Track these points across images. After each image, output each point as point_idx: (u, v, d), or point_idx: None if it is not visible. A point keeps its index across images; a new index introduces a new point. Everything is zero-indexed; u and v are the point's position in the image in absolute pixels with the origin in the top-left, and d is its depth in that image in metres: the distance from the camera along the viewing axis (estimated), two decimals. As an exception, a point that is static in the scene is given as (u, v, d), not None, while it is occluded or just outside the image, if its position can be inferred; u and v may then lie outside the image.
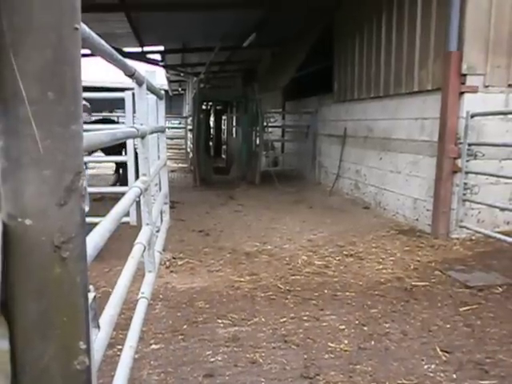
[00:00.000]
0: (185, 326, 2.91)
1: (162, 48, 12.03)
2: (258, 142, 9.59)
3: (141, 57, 11.23)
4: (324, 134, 8.94)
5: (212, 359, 2.52)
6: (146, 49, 11.35)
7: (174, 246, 4.67)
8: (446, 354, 2.56)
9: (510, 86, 4.89)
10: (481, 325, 2.94)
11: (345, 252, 4.57)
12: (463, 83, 4.76)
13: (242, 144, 9.81)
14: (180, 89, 22.78)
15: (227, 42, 10.17)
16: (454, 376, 2.34)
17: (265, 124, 9.52)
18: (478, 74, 4.78)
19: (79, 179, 0.67)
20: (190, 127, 12.02)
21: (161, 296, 3.41)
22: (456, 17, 4.64)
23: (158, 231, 3.68)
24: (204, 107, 11.28)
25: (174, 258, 4.28)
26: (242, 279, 3.82)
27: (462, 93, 4.77)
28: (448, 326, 2.93)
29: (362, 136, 7.14)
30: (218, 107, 14.69)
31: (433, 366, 2.44)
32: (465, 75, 4.75)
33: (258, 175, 9.13)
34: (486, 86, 4.81)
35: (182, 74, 15.93)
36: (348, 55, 7.74)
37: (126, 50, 10.52)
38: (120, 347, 2.26)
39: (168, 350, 2.62)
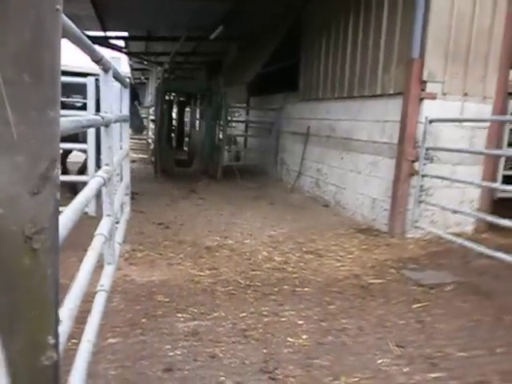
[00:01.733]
0: (144, 320, 2.86)
1: (125, 34, 11.68)
2: (221, 136, 9.54)
3: (103, 42, 10.86)
4: (287, 132, 9.02)
5: (171, 353, 2.49)
6: (109, 34, 10.99)
7: (134, 238, 4.58)
8: (399, 349, 2.66)
9: (465, 94, 5.13)
10: (431, 321, 3.08)
11: (304, 249, 4.65)
12: (423, 89, 4.95)
13: (204, 137, 9.73)
14: (143, 77, 22.24)
15: (193, 33, 10.02)
16: (406, 369, 2.45)
17: (229, 118, 9.49)
18: (438, 81, 4.98)
19: (54, 167, 0.64)
20: (152, 117, 11.77)
21: (119, 289, 3.33)
22: (419, 26, 4.81)
23: (117, 222, 3.59)
24: (167, 98, 11.07)
25: (133, 251, 4.20)
26: (202, 273, 3.80)
27: (422, 99, 4.96)
28: (401, 322, 3.05)
29: (324, 135, 7.26)
30: (181, 99, 14.46)
31: (386, 360, 2.53)
32: (425, 82, 4.94)
33: (220, 169, 9.08)
34: (444, 94, 5.02)
35: (145, 63, 15.55)
36: (314, 54, 7.83)
37: (88, 33, 10.13)
38: (75, 341, 2.19)
39: (126, 343, 2.57)
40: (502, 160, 5.40)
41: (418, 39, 4.86)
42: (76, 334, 2.15)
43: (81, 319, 2.41)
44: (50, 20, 0.62)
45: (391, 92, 5.44)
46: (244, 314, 3.05)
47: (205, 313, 3.04)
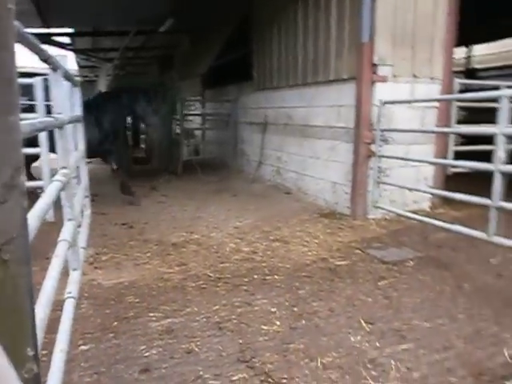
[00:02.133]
0: (115, 323, 2.81)
1: (70, 30, 11.21)
2: (178, 130, 9.41)
3: (46, 39, 10.37)
4: (245, 122, 9.02)
5: (147, 354, 2.47)
6: (53, 30, 10.51)
7: (98, 241, 4.46)
8: (369, 325, 2.76)
9: (414, 76, 5.31)
10: (397, 296, 3.21)
11: (271, 237, 4.70)
12: (375, 73, 5.09)
13: (161, 133, 9.56)
14: (92, 75, 21.47)
15: (142, 27, 9.77)
16: (377, 344, 2.55)
17: (185, 112, 9.36)
18: (388, 64, 5.13)
19: (19, 175, 0.62)
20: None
21: (86, 294, 3.25)
22: (367, 11, 4.92)
23: (79, 226, 3.48)
24: (119, 94, 10.75)
25: (97, 254, 4.10)
26: (171, 270, 3.77)
27: (374, 82, 5.10)
28: (369, 299, 3.16)
29: (282, 123, 7.32)
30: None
31: (358, 338, 2.62)
32: (376, 65, 5.07)
33: (180, 165, 8.98)
34: (395, 76, 5.19)
35: (93, 60, 15.01)
36: (266, 43, 7.84)
37: (29, 30, 9.64)
38: (45, 352, 2.13)
39: (99, 349, 2.52)
40: (452, 137, 5.65)
41: (367, 24, 4.97)
42: (46, 344, 2.09)
43: (50, 329, 2.35)
44: (2, 19, 0.59)
45: (344, 77, 5.54)
46: (217, 307, 3.05)
47: (177, 309, 3.02)
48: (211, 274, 3.67)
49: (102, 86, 15.05)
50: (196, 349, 2.52)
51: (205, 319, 2.89)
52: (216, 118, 10.62)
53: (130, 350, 2.51)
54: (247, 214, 5.73)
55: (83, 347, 2.53)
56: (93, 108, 6.35)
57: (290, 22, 6.89)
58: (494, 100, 3.70)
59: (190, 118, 10.20)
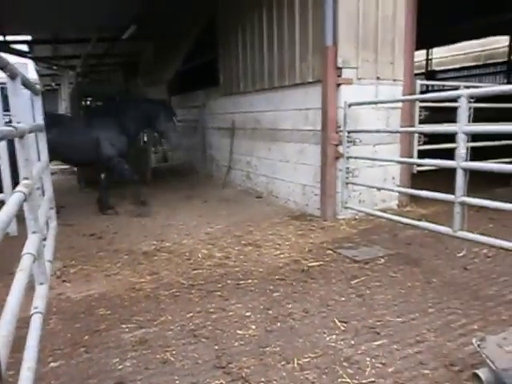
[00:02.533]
0: (86, 337, 2.73)
1: (28, 38, 10.87)
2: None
3: (3, 47, 10.02)
4: (213, 128, 8.99)
5: (120, 366, 2.41)
6: (10, 38, 10.17)
7: (64, 253, 4.33)
8: (344, 324, 2.79)
9: (378, 78, 5.44)
10: (370, 293, 3.26)
11: (243, 241, 4.69)
12: (339, 76, 5.18)
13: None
14: (53, 84, 20.91)
15: (105, 34, 9.59)
16: (352, 342, 2.58)
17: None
18: (352, 67, 5.24)
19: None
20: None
21: (54, 309, 3.15)
22: (330, 15, 5.01)
23: (44, 239, 3.36)
24: (84, 103, 10.52)
25: (65, 267, 3.98)
26: (143, 280, 3.70)
27: (339, 84, 5.20)
28: (343, 298, 3.20)
29: (250, 128, 7.34)
30: (99, 103, 13.81)
31: (333, 337, 2.65)
32: (340, 68, 5.17)
33: (149, 172, 8.85)
34: (359, 79, 5.30)
35: (54, 67, 14.61)
36: (232, 48, 7.86)
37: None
38: (11, 372, 2.04)
39: (70, 365, 2.43)
40: (416, 136, 5.80)
41: (330, 28, 5.06)
42: (13, 364, 2.01)
43: (17, 347, 2.25)
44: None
45: (310, 80, 5.62)
46: (191, 315, 3.01)
47: (151, 319, 2.96)
48: (184, 282, 3.62)
49: (65, 94, 14.66)
50: (171, 358, 2.47)
51: (179, 327, 2.84)
52: (184, 124, 10.54)
53: (102, 363, 2.44)
54: (218, 219, 5.70)
55: (53, 364, 2.44)
56: (112, 114, 6.20)
57: (255, 27, 6.94)
58: (454, 100, 3.82)
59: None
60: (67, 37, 10.71)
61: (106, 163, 6.17)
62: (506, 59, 17.94)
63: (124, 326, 2.87)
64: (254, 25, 6.95)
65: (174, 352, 2.53)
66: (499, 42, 18.51)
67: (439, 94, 4.40)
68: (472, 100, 3.60)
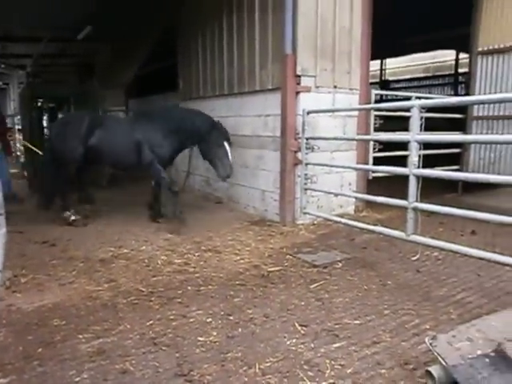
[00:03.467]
0: (40, 350, 2.61)
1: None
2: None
3: None
4: (172, 132, 8.87)
5: (77, 379, 2.33)
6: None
7: (15, 262, 4.11)
8: (304, 328, 2.84)
9: (335, 87, 5.61)
10: (328, 297, 3.34)
11: (203, 247, 4.66)
12: (298, 83, 5.29)
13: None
14: (1, 83, 19.94)
15: (58, 33, 9.27)
16: (312, 345, 2.63)
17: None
18: (310, 75, 5.36)
19: None
20: (18, 127, 10.62)
21: (4, 321, 3.00)
22: (289, 24, 5.13)
23: (-7, 248, 3.19)
24: (35, 104, 10.09)
25: (15, 276, 3.79)
26: (100, 288, 3.60)
27: (298, 92, 5.31)
28: (302, 302, 3.25)
29: (210, 133, 7.30)
30: (51, 105, 13.30)
31: (294, 340, 2.69)
32: (299, 76, 5.28)
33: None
34: (317, 87, 5.44)
35: (2, 66, 13.94)
36: (192, 53, 7.82)
37: None
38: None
39: (22, 380, 2.33)
40: (371, 144, 6.01)
41: (289, 36, 5.16)
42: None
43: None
44: None
45: (270, 87, 5.70)
46: (151, 322, 2.96)
47: (109, 328, 2.88)
48: (143, 289, 3.55)
49: (15, 94, 14.03)
50: (131, 368, 2.42)
51: (139, 336, 2.79)
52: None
53: (58, 376, 2.35)
54: (174, 225, 5.63)
55: (2, 380, 2.32)
56: (159, 120, 5.54)
57: (216, 33, 6.95)
58: (407, 109, 4.01)
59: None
60: (17, 35, 10.25)
61: (145, 169, 5.63)
62: (452, 72, 18.97)
63: (80, 336, 2.78)
64: (215, 31, 6.96)
65: (133, 361, 2.48)
66: (447, 56, 19.57)
67: (393, 104, 4.60)
68: (423, 110, 3.77)
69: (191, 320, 3.01)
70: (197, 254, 4.44)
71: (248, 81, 6.17)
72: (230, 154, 5.27)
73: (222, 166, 5.30)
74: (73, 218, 5.67)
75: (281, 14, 5.22)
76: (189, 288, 3.57)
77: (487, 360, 2.01)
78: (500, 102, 5.94)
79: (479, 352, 2.07)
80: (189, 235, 5.11)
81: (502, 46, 6.78)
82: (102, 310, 3.19)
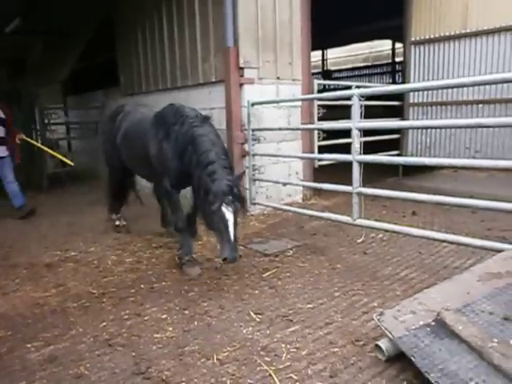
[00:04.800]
0: (-16, 362, 2.49)
1: None
2: (39, 142, 8.58)
3: None
4: (115, 129, 8.61)
5: (28, 388, 2.24)
6: None
7: (-50, 273, 3.87)
8: (259, 316, 2.90)
9: (278, 78, 5.69)
10: (281, 284, 3.42)
11: (154, 244, 4.61)
12: (242, 76, 5.32)
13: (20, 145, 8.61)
14: None
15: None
16: (268, 332, 2.69)
17: (46, 121, 8.57)
18: (253, 67, 5.40)
19: None
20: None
21: None
22: (230, 16, 5.13)
23: None
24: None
25: (-48, 289, 3.56)
26: (48, 294, 3.47)
27: (242, 84, 5.33)
28: (256, 291, 3.31)
29: (155, 128, 7.17)
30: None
31: (250, 329, 2.74)
32: (242, 68, 5.31)
33: (45, 179, 8.21)
34: (261, 78, 5.49)
35: None
36: (132, 47, 7.61)
37: None
38: None
39: (-33, 395, 2.21)
40: (316, 133, 6.17)
41: (230, 29, 5.16)
42: None
43: None
44: None
45: (213, 80, 5.68)
46: (104, 324, 2.90)
47: (60, 334, 2.79)
48: (94, 291, 3.46)
49: None
50: (86, 372, 2.37)
51: (92, 339, 2.73)
52: (83, 126, 9.95)
53: (6, 388, 2.26)
54: (127, 222, 5.50)
55: None
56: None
57: (156, 27, 6.80)
58: (348, 98, 4.15)
59: (53, 127, 9.38)
60: None
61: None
62: (390, 61, 19.78)
63: (29, 345, 2.67)
64: (154, 23, 6.81)
65: (88, 365, 2.43)
66: (384, 45, 20.36)
67: (334, 93, 4.74)
68: (363, 98, 3.93)
69: (146, 318, 2.98)
70: (148, 252, 4.38)
71: (191, 74, 6.11)
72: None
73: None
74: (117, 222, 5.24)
75: (221, 6, 5.20)
76: (142, 286, 3.52)
77: (428, 329, 2.17)
78: (432, 89, 6.28)
79: (421, 323, 2.22)
80: (139, 232, 5.02)
81: (432, 36, 7.17)
82: (51, 316, 3.07)
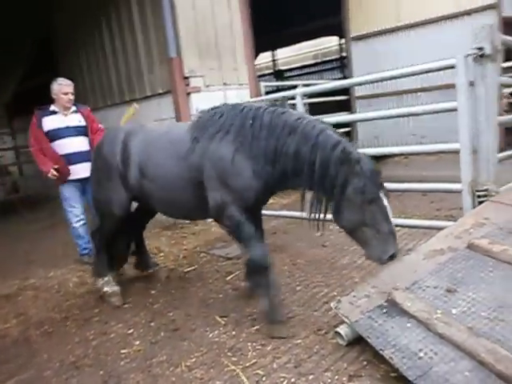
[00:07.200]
0: None
1: None
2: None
3: None
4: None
5: (-7, 422, 2.20)
6: None
7: None
8: (224, 319, 2.96)
9: (225, 84, 5.77)
10: (245, 285, 3.48)
11: (116, 261, 4.55)
12: (188, 85, 5.37)
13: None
14: None
15: None
16: (234, 333, 2.75)
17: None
18: (199, 75, 5.47)
19: None
20: None
21: None
22: (170, 27, 5.17)
23: None
24: None
25: None
26: (8, 325, 3.39)
27: (189, 93, 5.38)
28: (221, 295, 3.37)
29: (108, 145, 7.08)
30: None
31: (216, 332, 2.79)
32: (188, 77, 5.36)
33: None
34: (207, 86, 5.56)
35: None
36: (74, 65, 7.48)
37: None
38: None
39: None
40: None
41: (172, 39, 5.21)
42: None
43: None
44: None
45: (160, 91, 5.69)
46: (69, 347, 2.88)
47: (24, 363, 2.75)
48: (56, 315, 3.42)
49: None
50: (53, 397, 2.35)
51: (58, 363, 2.70)
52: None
53: (-30, 425, 2.20)
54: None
55: None
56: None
57: (97, 44, 6.73)
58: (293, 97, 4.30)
59: (1, 153, 9.08)
60: None
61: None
62: (338, 56, 20.31)
63: (-9, 378, 2.61)
64: (96, 41, 6.73)
65: (54, 390, 2.41)
66: (332, 42, 20.86)
67: (278, 95, 4.87)
68: (305, 97, 4.07)
69: (112, 335, 2.97)
70: (110, 270, 4.33)
71: (138, 87, 6.10)
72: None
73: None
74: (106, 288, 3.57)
75: (160, 19, 5.23)
76: (105, 305, 3.50)
77: (381, 310, 2.29)
78: (370, 82, 6.54)
79: (375, 305, 2.35)
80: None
81: (370, 31, 7.48)
82: (13, 346, 3.02)
